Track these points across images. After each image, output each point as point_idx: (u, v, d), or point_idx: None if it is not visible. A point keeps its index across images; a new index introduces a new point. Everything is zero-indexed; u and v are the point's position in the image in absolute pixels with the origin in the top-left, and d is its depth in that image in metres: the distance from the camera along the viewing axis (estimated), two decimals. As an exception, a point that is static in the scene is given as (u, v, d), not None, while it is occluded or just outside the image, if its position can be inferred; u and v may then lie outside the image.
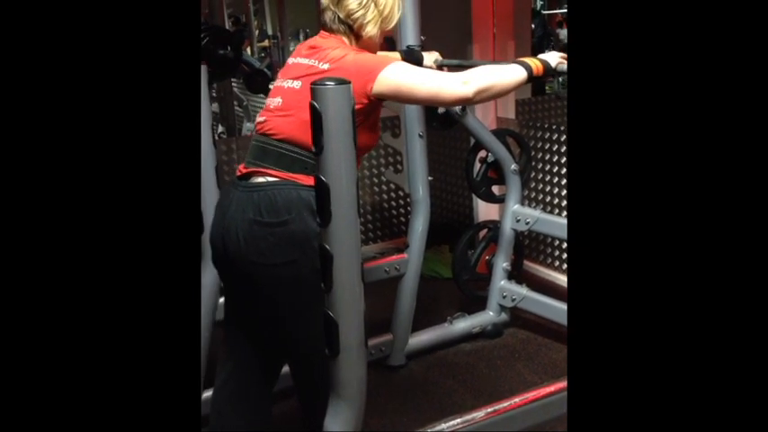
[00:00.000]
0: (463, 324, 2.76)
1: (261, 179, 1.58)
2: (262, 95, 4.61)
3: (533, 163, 3.15)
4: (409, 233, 2.60)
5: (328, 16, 1.64)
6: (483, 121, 2.83)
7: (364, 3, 1.60)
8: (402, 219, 3.79)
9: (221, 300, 2.19)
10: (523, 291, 2.71)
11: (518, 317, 2.85)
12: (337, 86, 1.27)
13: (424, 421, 2.24)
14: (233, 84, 4.34)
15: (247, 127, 4.91)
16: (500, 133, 2.76)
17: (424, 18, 2.40)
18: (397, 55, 2.09)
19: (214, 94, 3.98)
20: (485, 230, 2.98)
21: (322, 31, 1.67)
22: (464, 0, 3.20)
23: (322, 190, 1.30)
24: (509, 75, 1.62)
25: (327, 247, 1.32)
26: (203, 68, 2.05)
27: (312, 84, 1.28)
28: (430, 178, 2.58)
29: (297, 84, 1.60)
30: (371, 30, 1.63)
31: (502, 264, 2.77)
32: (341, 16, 1.62)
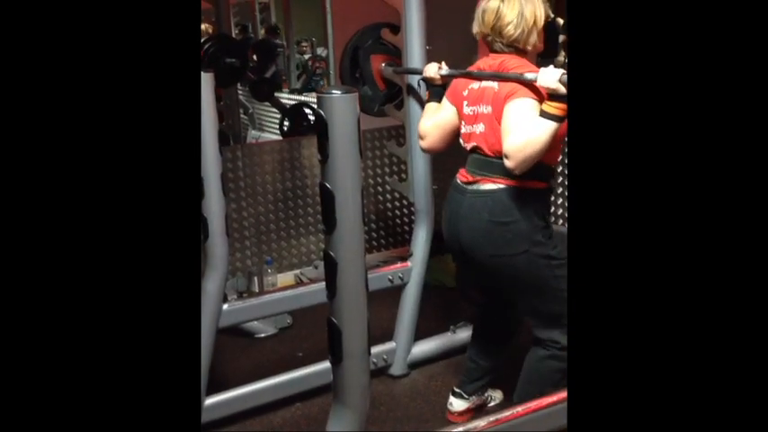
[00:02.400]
0: (466, 333, 2.74)
1: (491, 186, 1.87)
2: (267, 103, 4.63)
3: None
4: (413, 242, 2.60)
5: (497, 46, 1.89)
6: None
7: (517, 23, 1.84)
8: (406, 227, 3.79)
9: (225, 306, 2.20)
10: (527, 301, 2.70)
11: (520, 326, 2.84)
12: (343, 95, 1.28)
13: (426, 430, 2.24)
14: (238, 91, 4.35)
15: (252, 135, 4.91)
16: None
17: (429, 28, 2.41)
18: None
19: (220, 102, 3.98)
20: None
21: (491, 54, 1.92)
22: (470, 10, 3.20)
23: (327, 197, 1.30)
24: (542, 134, 1.69)
25: (332, 254, 1.33)
26: (209, 76, 2.06)
27: (317, 92, 1.30)
28: (434, 187, 2.59)
29: (488, 108, 1.86)
30: (533, 41, 1.88)
31: (505, 273, 2.77)
32: (504, 42, 1.87)
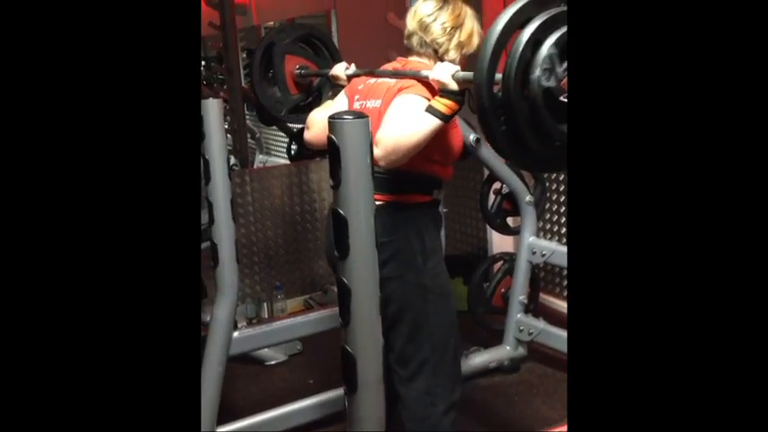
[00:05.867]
0: (479, 359, 2.71)
1: None
2: (274, 127, 4.64)
3: (548, 194, 3.13)
4: (424, 266, 2.57)
5: (415, 41, 1.77)
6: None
7: (448, 31, 1.73)
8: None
9: (235, 334, 2.18)
10: (540, 324, 2.67)
11: (535, 351, 2.80)
12: (355, 120, 1.26)
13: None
14: (246, 116, 4.36)
15: (260, 159, 4.92)
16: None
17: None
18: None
19: (227, 127, 4.00)
20: (500, 263, 2.95)
21: (399, 58, 1.82)
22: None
23: (339, 223, 1.28)
24: (421, 129, 1.55)
25: (345, 280, 1.30)
26: (218, 102, 2.06)
27: (329, 118, 1.28)
28: (444, 210, 2.56)
29: (377, 102, 1.72)
30: (453, 55, 1.75)
31: (518, 297, 2.73)
32: (427, 41, 1.75)
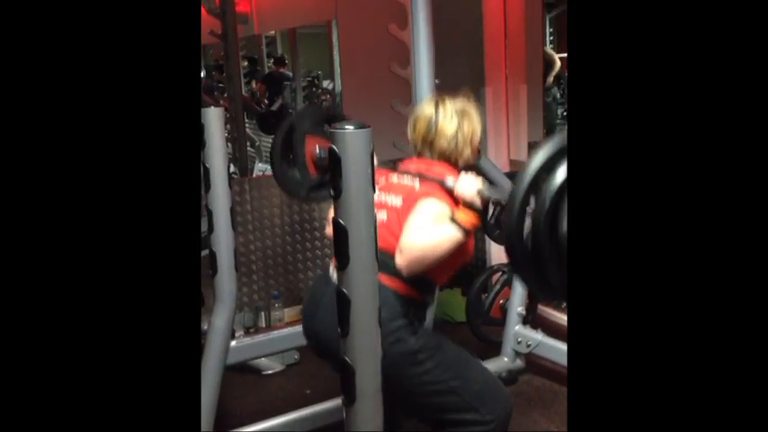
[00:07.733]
0: (477, 369, 2.70)
1: None
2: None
3: (547, 206, 3.13)
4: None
5: (428, 156, 1.78)
6: (496, 164, 2.83)
7: (451, 138, 1.74)
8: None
9: (232, 343, 2.17)
10: (539, 336, 2.67)
11: (533, 363, 2.80)
12: (356, 130, 1.27)
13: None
14: (246, 124, 4.37)
15: (259, 167, 4.93)
16: (514, 176, 2.75)
17: (438, 61, 2.41)
18: None
19: (227, 135, 4.00)
20: (498, 274, 2.94)
21: (422, 158, 1.80)
22: (477, 44, 3.23)
23: (340, 233, 1.28)
24: (443, 241, 1.58)
25: (345, 291, 1.30)
26: (219, 110, 2.06)
27: (331, 128, 1.28)
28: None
29: (399, 200, 1.70)
30: (466, 155, 1.78)
31: (516, 308, 2.73)
32: (437, 155, 1.76)
